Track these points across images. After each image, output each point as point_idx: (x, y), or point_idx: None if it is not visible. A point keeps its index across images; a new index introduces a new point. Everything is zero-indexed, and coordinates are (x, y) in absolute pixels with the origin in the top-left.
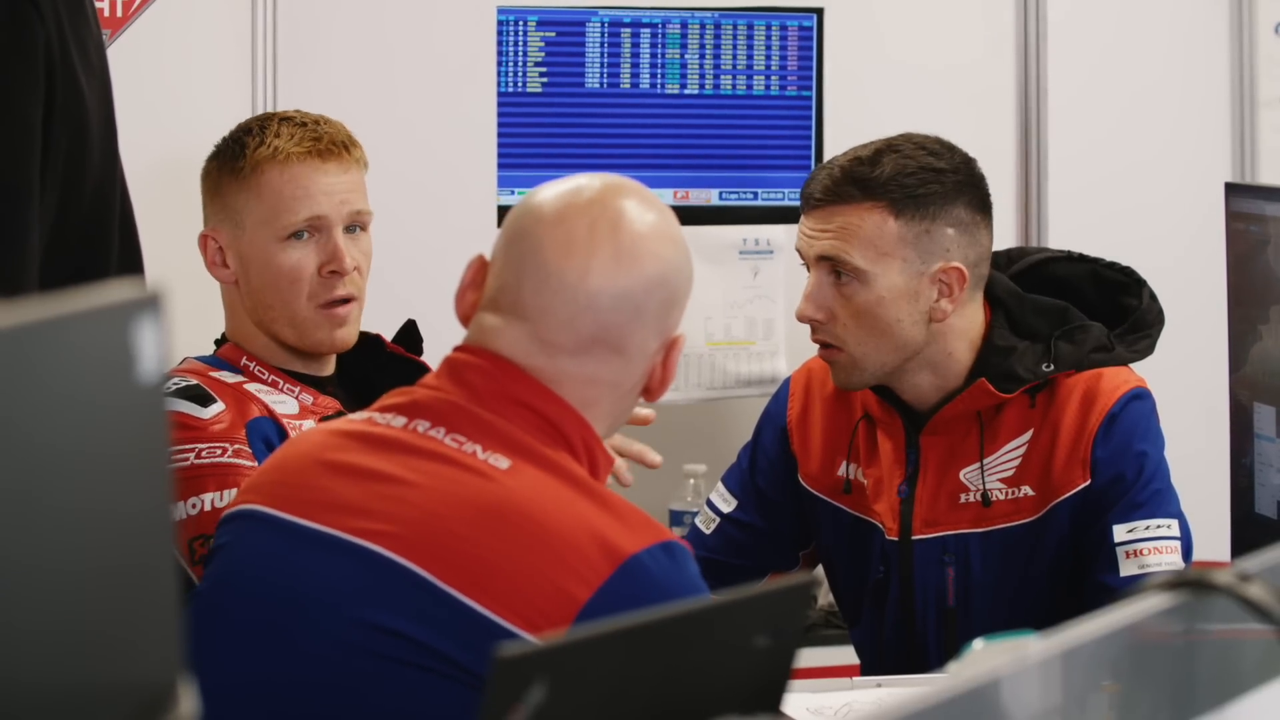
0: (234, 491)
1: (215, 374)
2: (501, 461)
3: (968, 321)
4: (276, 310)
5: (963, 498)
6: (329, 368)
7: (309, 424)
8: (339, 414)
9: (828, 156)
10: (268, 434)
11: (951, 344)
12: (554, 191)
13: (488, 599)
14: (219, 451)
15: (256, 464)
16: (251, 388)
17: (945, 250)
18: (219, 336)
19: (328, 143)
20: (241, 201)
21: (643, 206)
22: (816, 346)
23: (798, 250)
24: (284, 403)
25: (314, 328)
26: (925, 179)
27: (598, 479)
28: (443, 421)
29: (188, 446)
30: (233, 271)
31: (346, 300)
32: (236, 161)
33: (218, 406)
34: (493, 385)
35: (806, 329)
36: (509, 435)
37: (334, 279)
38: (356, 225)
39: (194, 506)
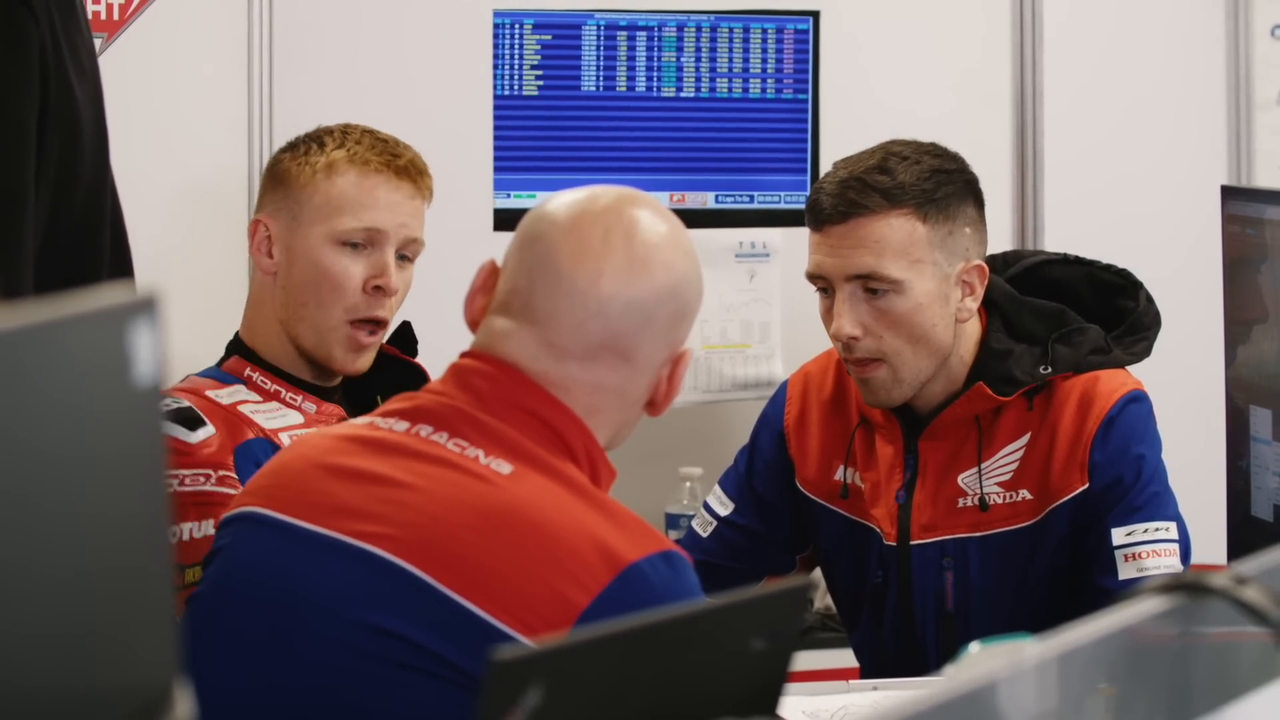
0: (211, 523)
1: (212, 393)
2: (504, 467)
3: (971, 325)
4: (309, 309)
5: (961, 502)
6: (335, 378)
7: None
8: (342, 421)
9: (824, 160)
10: (259, 458)
11: (962, 347)
12: (568, 199)
13: (487, 602)
14: (202, 479)
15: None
16: (247, 409)
17: (965, 250)
18: (231, 339)
19: (406, 163)
20: (306, 195)
21: (657, 217)
22: (813, 350)
23: (817, 274)
24: (285, 415)
25: (336, 342)
26: (940, 181)
27: (600, 487)
28: (446, 426)
29: (172, 473)
30: (275, 262)
31: (379, 323)
32: (311, 156)
33: (207, 430)
34: (498, 391)
35: (804, 331)
36: (512, 441)
37: (377, 296)
38: (406, 254)
39: (172, 536)
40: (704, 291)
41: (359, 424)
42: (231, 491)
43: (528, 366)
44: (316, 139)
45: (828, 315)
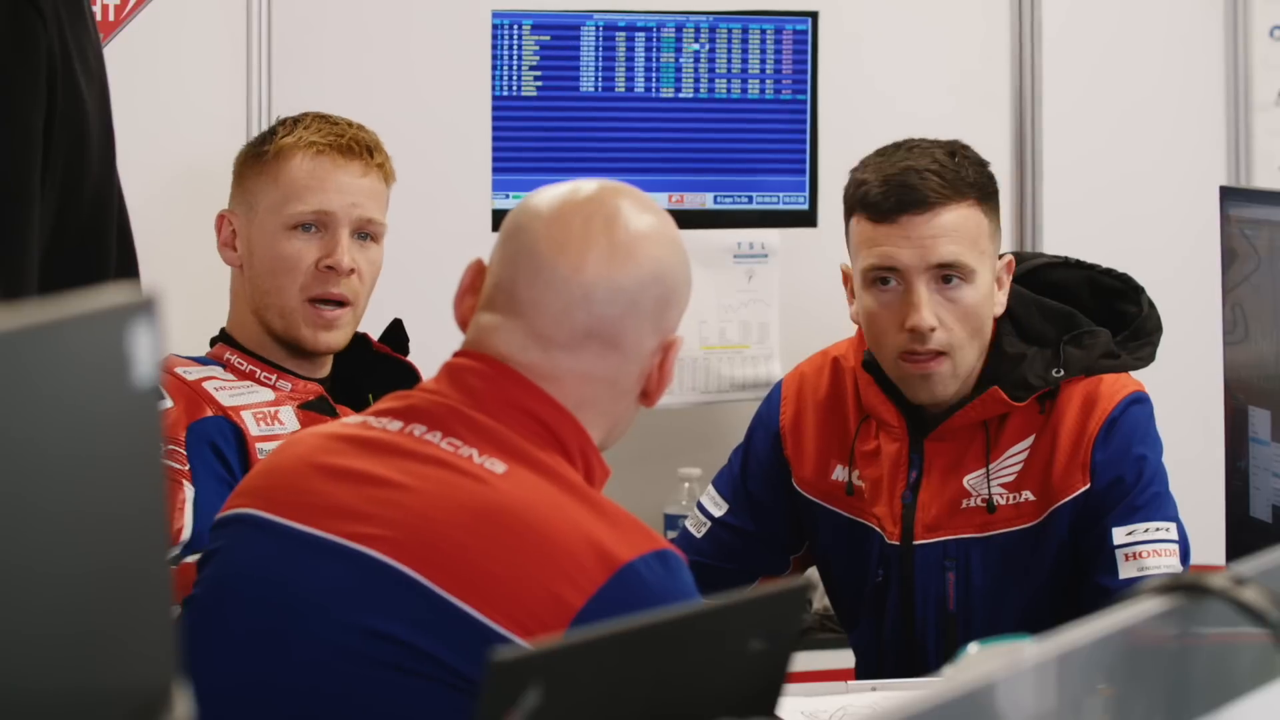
0: None
1: (182, 369)
2: (498, 466)
3: None
4: (270, 297)
5: (965, 503)
6: (321, 370)
7: (287, 410)
8: (320, 399)
9: (823, 161)
10: (214, 437)
11: (987, 345)
12: (551, 192)
13: (482, 603)
14: None
15: (187, 468)
16: (212, 385)
17: (1000, 244)
18: (217, 333)
19: (350, 140)
20: (259, 186)
21: (639, 207)
22: (811, 351)
23: (886, 265)
24: (254, 393)
25: (300, 322)
26: (989, 176)
27: (593, 485)
28: (439, 425)
29: None
30: (239, 255)
31: (340, 303)
32: (263, 147)
33: (164, 404)
34: (491, 388)
35: (802, 332)
36: (506, 440)
37: (329, 275)
38: (367, 233)
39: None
40: (693, 281)
41: (352, 423)
42: (176, 465)
43: (516, 359)
44: (271, 130)
45: (886, 311)
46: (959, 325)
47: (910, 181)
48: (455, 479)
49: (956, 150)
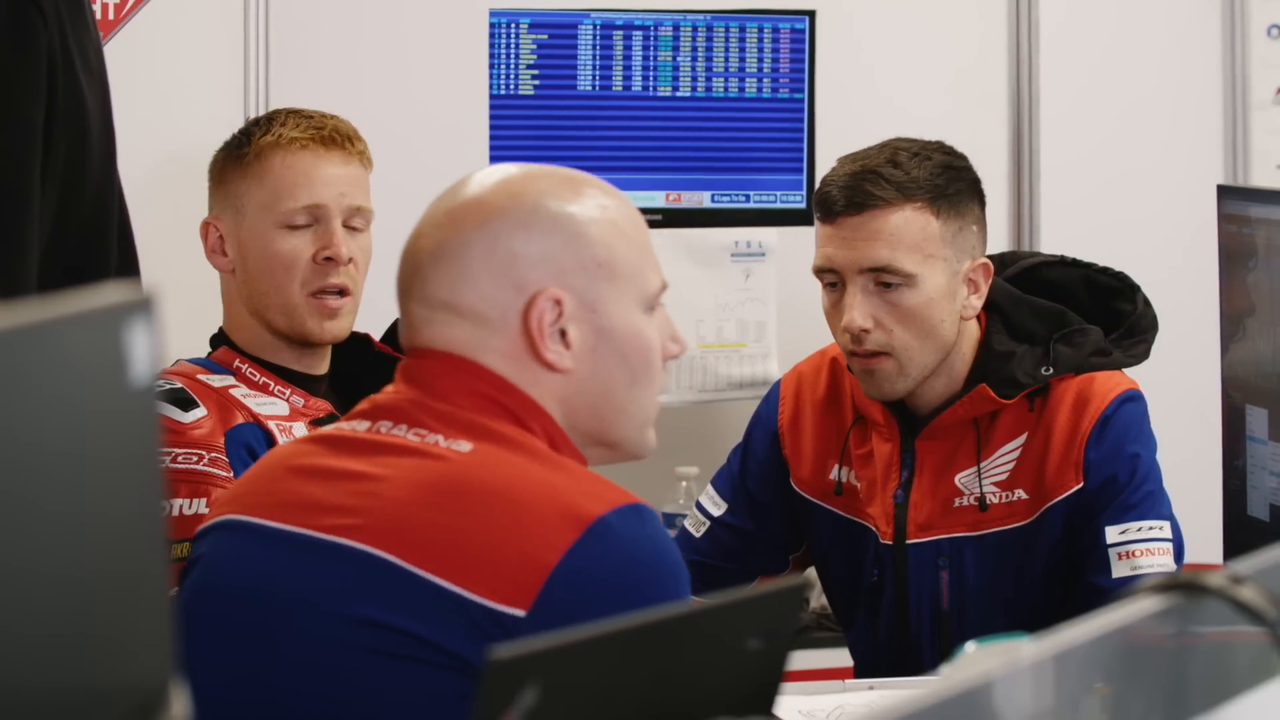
0: (204, 501)
1: (204, 377)
2: (464, 446)
3: (971, 325)
4: (270, 297)
5: (957, 502)
6: (322, 365)
7: (300, 426)
8: (331, 416)
9: (820, 159)
10: (250, 441)
11: (964, 346)
12: None
13: (457, 575)
14: (195, 459)
15: (232, 474)
16: (238, 393)
17: (973, 247)
18: (215, 333)
19: (330, 131)
20: (244, 188)
21: (506, 171)
22: (809, 349)
23: (827, 267)
24: (273, 404)
25: (305, 316)
26: (952, 177)
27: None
28: (404, 419)
29: (165, 450)
30: (231, 259)
31: (341, 292)
32: (241, 149)
33: (199, 412)
34: (441, 378)
35: (800, 331)
36: (468, 421)
37: (329, 266)
38: (356, 225)
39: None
40: (581, 234)
41: (325, 429)
42: (223, 474)
43: (412, 341)
44: (245, 131)
45: (834, 310)
46: (900, 327)
47: (853, 184)
48: (424, 463)
49: (923, 150)
